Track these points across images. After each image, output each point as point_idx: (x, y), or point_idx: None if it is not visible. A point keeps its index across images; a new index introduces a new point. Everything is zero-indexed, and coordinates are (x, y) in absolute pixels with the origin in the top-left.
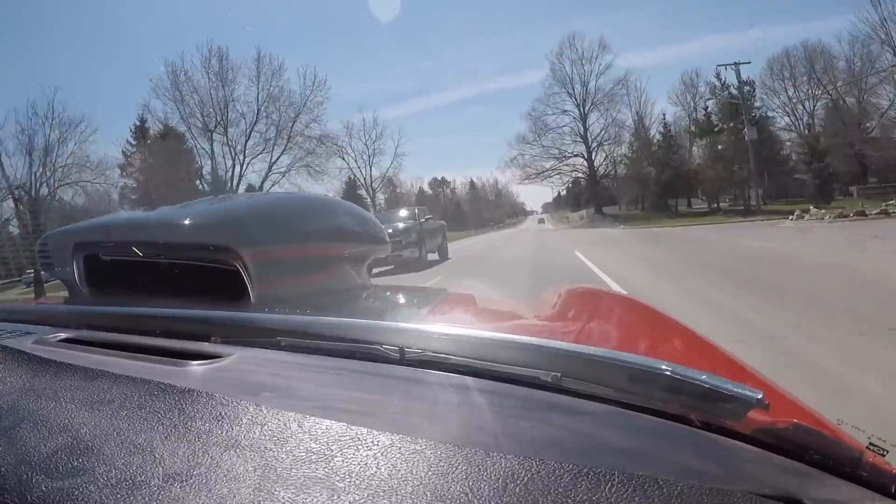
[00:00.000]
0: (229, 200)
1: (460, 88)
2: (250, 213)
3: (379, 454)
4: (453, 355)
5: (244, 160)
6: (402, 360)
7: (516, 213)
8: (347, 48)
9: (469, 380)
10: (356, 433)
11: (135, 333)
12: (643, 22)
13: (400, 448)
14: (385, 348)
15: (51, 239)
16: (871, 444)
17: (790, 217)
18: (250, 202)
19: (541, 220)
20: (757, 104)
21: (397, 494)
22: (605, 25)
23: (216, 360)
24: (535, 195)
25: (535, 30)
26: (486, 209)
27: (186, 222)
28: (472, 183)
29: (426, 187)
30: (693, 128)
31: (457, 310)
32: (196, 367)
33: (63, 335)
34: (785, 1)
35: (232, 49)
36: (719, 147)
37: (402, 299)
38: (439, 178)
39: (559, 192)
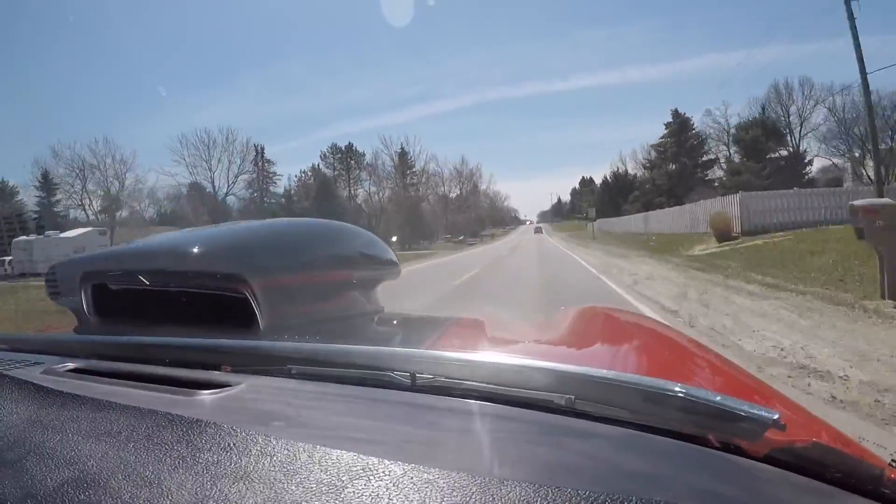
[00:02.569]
0: (237, 227)
1: (462, 97)
2: (258, 241)
3: (391, 485)
4: (465, 381)
5: None
6: (414, 386)
7: (502, 220)
8: (353, 51)
9: (482, 405)
10: (367, 463)
11: (144, 363)
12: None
13: (412, 478)
14: (396, 374)
15: (59, 268)
16: (893, 461)
17: None
18: (258, 229)
19: (538, 230)
20: None
21: None
22: (607, 39)
23: (225, 388)
24: (528, 199)
25: (535, 42)
26: (449, 211)
27: (194, 250)
28: (401, 153)
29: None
30: None
31: (468, 335)
32: (205, 396)
33: (72, 365)
34: None
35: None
36: None
37: (412, 325)
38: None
39: (559, 198)
